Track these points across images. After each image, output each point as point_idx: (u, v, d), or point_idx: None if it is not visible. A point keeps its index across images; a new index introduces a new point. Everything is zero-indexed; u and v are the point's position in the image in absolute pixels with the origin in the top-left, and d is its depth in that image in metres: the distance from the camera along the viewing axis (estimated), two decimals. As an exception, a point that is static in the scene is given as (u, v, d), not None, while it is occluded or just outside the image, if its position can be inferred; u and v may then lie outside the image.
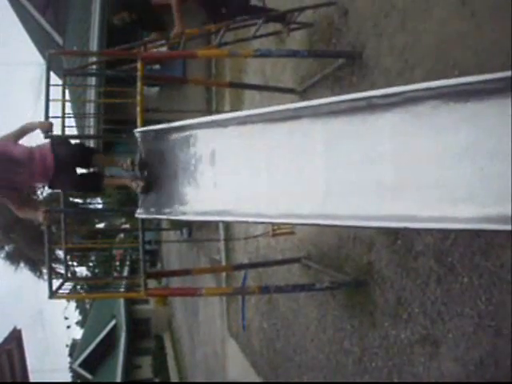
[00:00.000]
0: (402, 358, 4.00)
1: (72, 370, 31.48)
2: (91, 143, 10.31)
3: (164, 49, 5.73)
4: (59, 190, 5.21)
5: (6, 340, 26.75)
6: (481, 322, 3.20)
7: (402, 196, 2.72)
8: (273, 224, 6.00)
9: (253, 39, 5.38)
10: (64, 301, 30.15)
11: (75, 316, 44.82)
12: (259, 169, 3.66)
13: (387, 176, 2.79)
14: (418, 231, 3.69)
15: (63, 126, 5.05)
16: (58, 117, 4.95)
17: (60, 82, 5.29)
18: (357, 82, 4.57)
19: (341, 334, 5.00)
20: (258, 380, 7.85)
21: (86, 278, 9.96)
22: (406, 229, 3.24)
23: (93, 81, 8.51)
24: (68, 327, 44.68)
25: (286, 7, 5.46)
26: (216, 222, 10.00)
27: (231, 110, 8.44)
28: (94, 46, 9.69)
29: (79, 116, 9.35)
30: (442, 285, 3.54)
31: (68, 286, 5.15)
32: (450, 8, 3.41)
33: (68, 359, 38.15)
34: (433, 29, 3.57)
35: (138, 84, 4.56)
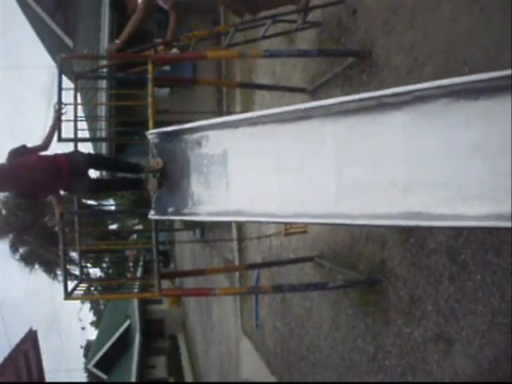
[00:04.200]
0: (415, 356, 4.00)
1: (87, 370, 31.69)
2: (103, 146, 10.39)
3: (174, 50, 5.76)
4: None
5: (23, 341, 26.98)
6: (494, 319, 3.20)
7: (413, 194, 2.73)
8: (285, 223, 6.02)
9: (262, 39, 5.39)
10: (79, 302, 30.41)
11: (90, 317, 45.15)
12: (271, 169, 3.68)
13: (399, 175, 2.80)
14: (430, 229, 3.68)
15: (75, 130, 5.09)
16: (70, 120, 5.00)
17: (71, 85, 5.33)
18: (367, 81, 4.57)
19: (354, 333, 5.00)
20: (272, 379, 7.87)
21: (100, 279, 10.03)
22: (418, 227, 3.24)
23: (104, 84, 8.57)
24: (83, 328, 45.02)
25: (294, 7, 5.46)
26: (229, 222, 10.03)
27: (242, 111, 8.46)
28: (104, 48, 9.74)
29: (91, 119, 9.42)
30: (454, 282, 3.54)
31: (82, 287, 5.19)
32: (459, 4, 3.41)
33: (83, 360, 38.46)
34: (442, 26, 3.57)
35: (149, 86, 4.59)
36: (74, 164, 4.56)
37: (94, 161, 5.07)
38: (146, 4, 4.71)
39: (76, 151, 4.91)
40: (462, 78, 2.45)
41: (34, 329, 29.47)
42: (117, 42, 4.78)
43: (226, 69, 10.62)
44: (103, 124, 9.29)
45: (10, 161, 4.43)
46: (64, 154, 4.62)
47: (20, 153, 4.47)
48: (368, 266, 4.69)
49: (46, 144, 4.63)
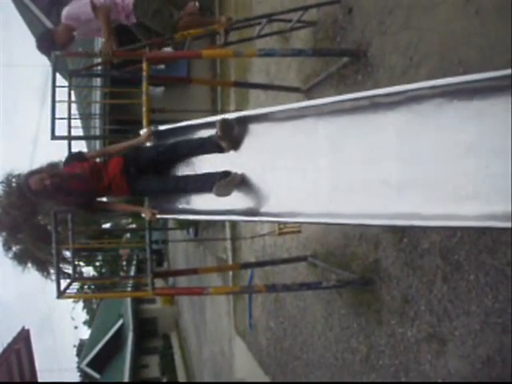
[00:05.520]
0: (408, 356, 4.00)
1: (80, 369, 31.60)
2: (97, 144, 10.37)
3: (169, 49, 5.75)
4: None
5: (15, 340, 26.92)
6: (487, 319, 3.20)
7: (407, 194, 2.73)
8: (279, 223, 6.01)
9: (257, 39, 5.39)
10: (71, 301, 30.35)
11: (82, 316, 45.09)
12: (264, 168, 3.67)
13: (392, 174, 2.80)
14: (423, 229, 3.69)
15: (69, 127, 5.07)
16: (63, 118, 4.98)
17: (65, 83, 5.31)
18: (361, 81, 4.57)
19: (348, 333, 5.01)
20: (265, 379, 7.87)
21: (93, 278, 10.00)
22: (412, 227, 3.25)
23: (98, 82, 8.53)
24: (75, 327, 45.01)
25: (290, 6, 5.46)
26: (222, 222, 10.02)
27: (236, 110, 8.44)
28: (98, 46, 9.70)
29: (85, 117, 9.39)
30: (448, 282, 3.54)
31: (75, 285, 5.18)
32: (455, 5, 3.41)
33: (76, 359, 38.35)
34: (437, 26, 3.57)
35: (144, 84, 4.58)
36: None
37: None
38: (106, 18, 4.84)
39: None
40: (457, 78, 2.45)
41: (26, 328, 29.41)
42: (107, 42, 4.81)
43: (221, 68, 10.60)
44: (97, 122, 9.25)
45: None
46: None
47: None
48: (361, 266, 4.70)
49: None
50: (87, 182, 4.28)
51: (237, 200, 3.81)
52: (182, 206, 4.32)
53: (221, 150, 3.92)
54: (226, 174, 3.81)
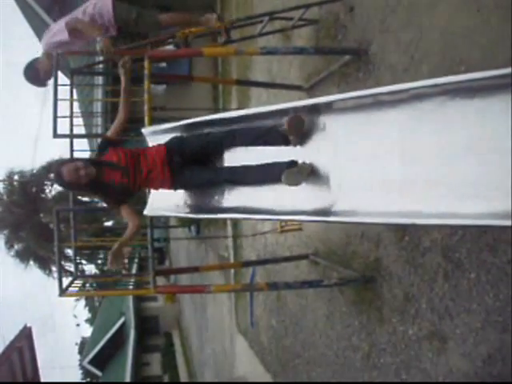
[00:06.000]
0: (409, 354, 4.00)
1: (82, 367, 31.72)
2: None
3: (170, 47, 5.76)
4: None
5: (17, 337, 26.93)
6: (488, 317, 3.21)
7: (409, 192, 2.73)
8: (280, 221, 6.02)
9: (259, 37, 5.39)
10: (74, 299, 30.40)
11: (85, 314, 45.21)
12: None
13: (394, 172, 2.80)
14: (425, 227, 3.69)
15: (71, 126, 5.08)
16: (65, 116, 4.99)
17: (67, 81, 5.32)
18: (363, 79, 4.57)
19: (349, 330, 5.01)
20: (266, 376, 7.88)
21: (95, 276, 10.02)
22: (413, 225, 3.25)
23: (100, 80, 8.55)
24: (77, 325, 45.17)
25: (292, 4, 5.46)
26: (224, 220, 10.03)
27: (238, 108, 8.45)
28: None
29: (87, 115, 9.41)
30: (449, 281, 3.54)
31: (77, 283, 5.19)
32: (456, 3, 3.41)
33: (78, 357, 38.48)
34: (439, 24, 3.57)
35: (146, 82, 4.59)
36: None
37: None
38: (86, 26, 4.96)
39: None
40: (459, 77, 2.45)
41: (28, 325, 29.44)
42: (104, 39, 4.83)
43: (223, 66, 10.61)
44: (99, 120, 9.28)
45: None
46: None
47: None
48: (363, 264, 4.70)
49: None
50: (124, 173, 3.91)
51: (238, 197, 3.81)
52: (182, 203, 4.31)
53: (287, 143, 3.49)
54: (294, 163, 3.40)
